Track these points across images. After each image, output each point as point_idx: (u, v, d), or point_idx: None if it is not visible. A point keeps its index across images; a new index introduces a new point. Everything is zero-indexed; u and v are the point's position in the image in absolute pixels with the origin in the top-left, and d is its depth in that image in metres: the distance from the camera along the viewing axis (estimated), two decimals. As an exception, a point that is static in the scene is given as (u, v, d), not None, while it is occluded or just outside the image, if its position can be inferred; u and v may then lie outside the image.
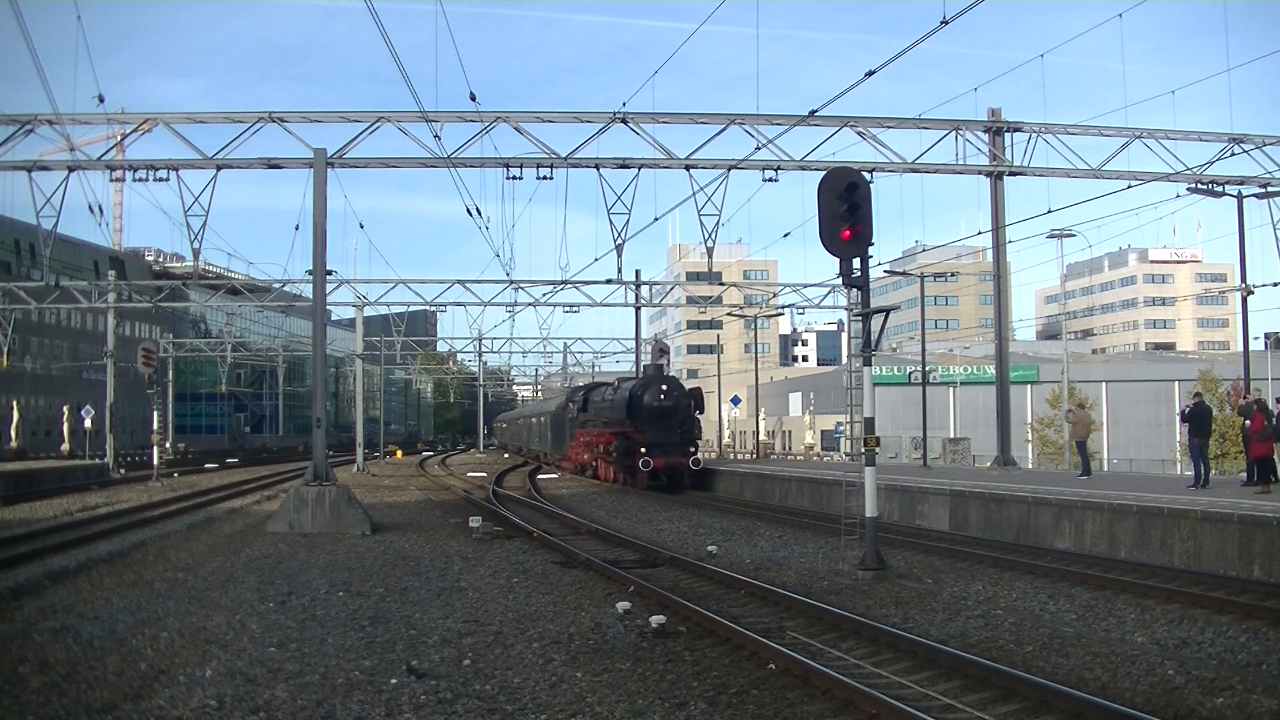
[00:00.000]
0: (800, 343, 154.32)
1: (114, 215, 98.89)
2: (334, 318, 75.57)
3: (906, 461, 46.58)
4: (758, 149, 26.19)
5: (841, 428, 52.98)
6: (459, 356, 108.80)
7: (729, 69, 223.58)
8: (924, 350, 38.39)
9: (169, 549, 17.55)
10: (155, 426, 46.42)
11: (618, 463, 34.05)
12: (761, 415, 59.44)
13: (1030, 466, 47.91)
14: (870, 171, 25.03)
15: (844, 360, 61.35)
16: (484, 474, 44.14)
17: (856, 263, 14.76)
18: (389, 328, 64.50)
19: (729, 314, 51.06)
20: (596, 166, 26.56)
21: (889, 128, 27.21)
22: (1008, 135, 28.11)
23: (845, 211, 14.41)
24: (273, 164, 26.49)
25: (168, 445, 58.62)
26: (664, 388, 33.43)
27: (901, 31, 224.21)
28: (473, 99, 23.45)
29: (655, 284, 51.47)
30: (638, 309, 47.39)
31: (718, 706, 7.93)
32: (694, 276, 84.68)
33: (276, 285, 54.37)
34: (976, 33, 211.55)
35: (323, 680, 8.67)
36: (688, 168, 26.68)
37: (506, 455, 72.47)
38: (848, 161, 25.57)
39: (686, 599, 11.99)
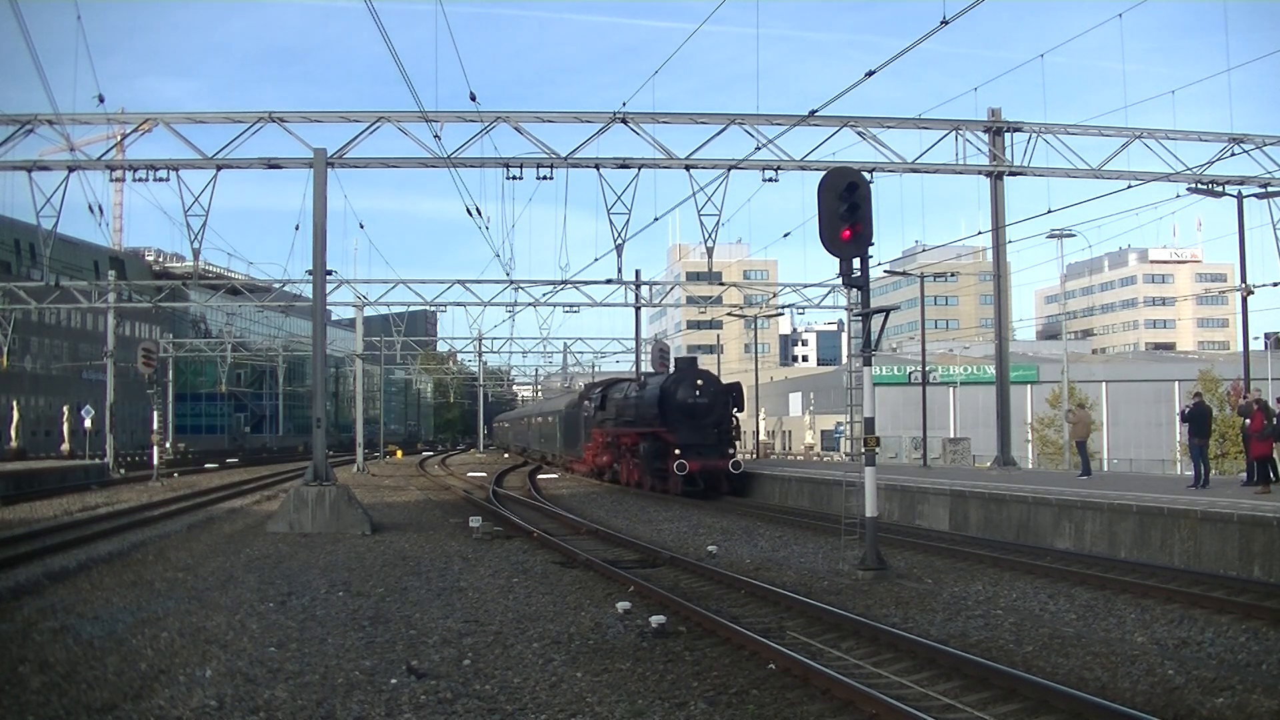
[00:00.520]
0: (800, 343, 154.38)
1: (114, 215, 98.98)
2: (334, 318, 75.60)
3: (906, 461, 46.59)
4: (758, 149, 26.20)
5: (841, 428, 53.04)
6: (459, 356, 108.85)
7: (729, 69, 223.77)
8: (924, 350, 38.40)
9: (169, 549, 17.55)
10: (155, 426, 46.44)
11: (646, 466, 31.05)
12: (761, 415, 59.46)
13: (1030, 466, 47.92)
14: (870, 171, 25.03)
15: (844, 360, 61.39)
16: (484, 474, 44.14)
17: (856, 263, 14.76)
18: (389, 328, 64.48)
19: (729, 314, 51.08)
20: (596, 166, 26.55)
21: (889, 128, 27.20)
22: (1008, 135, 28.10)
23: (845, 211, 14.42)
24: (273, 164, 26.48)
25: (168, 445, 58.61)
26: (699, 383, 30.50)
27: (901, 31, 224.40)
28: (473, 99, 23.47)
29: (655, 284, 51.43)
30: (638, 309, 47.36)
31: (718, 706, 7.93)
32: (694, 276, 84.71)
33: (276, 285, 54.41)
34: (976, 33, 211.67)
35: (323, 680, 8.67)
36: (688, 168, 26.67)
37: (506, 455, 72.44)
38: (848, 161, 25.58)
39: (686, 599, 11.99)
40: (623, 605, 11.45)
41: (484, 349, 76.39)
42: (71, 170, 26.06)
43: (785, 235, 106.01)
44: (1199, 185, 27.62)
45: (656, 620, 10.58)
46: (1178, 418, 30.32)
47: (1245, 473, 20.20)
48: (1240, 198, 27.52)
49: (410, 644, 10.07)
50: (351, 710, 7.83)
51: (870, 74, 17.95)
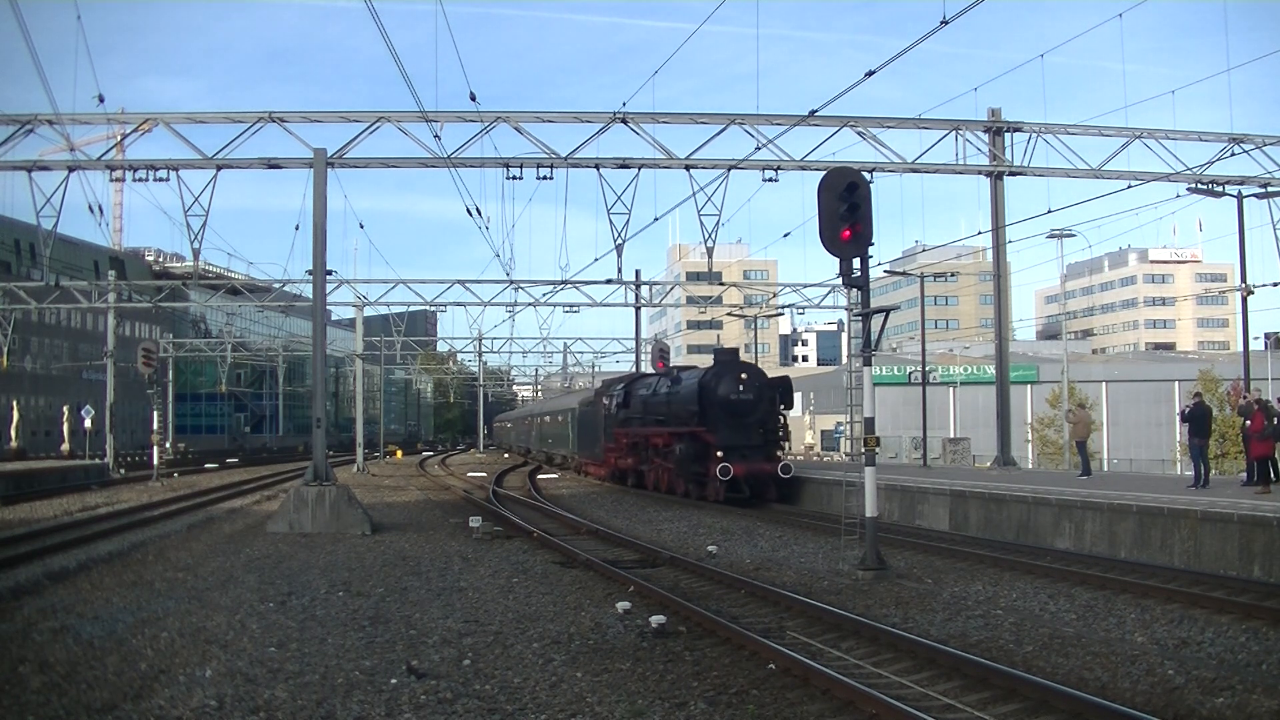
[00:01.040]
0: (800, 343, 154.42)
1: (114, 215, 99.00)
2: (334, 318, 75.58)
3: (906, 461, 46.59)
4: (758, 149, 26.20)
5: (841, 428, 52.97)
6: (459, 356, 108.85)
7: (729, 69, 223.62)
8: (924, 350, 38.40)
9: (169, 549, 17.55)
10: (155, 426, 46.46)
11: (681, 469, 27.80)
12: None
13: (1030, 466, 47.92)
14: (870, 171, 25.02)
15: (844, 360, 61.40)
16: (484, 474, 44.14)
17: (856, 263, 14.77)
18: (389, 328, 64.47)
19: (729, 314, 51.09)
20: (596, 166, 26.55)
21: (889, 128, 27.20)
22: (1008, 135, 28.10)
23: (845, 211, 14.43)
24: (273, 164, 26.48)
25: (168, 445, 58.61)
26: (743, 376, 27.21)
27: (901, 31, 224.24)
28: (473, 99, 23.46)
29: (655, 284, 51.48)
30: (638, 309, 47.40)
31: (718, 706, 7.93)
32: (694, 276, 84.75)
33: (276, 285, 54.37)
34: (976, 33, 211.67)
35: (323, 680, 8.67)
36: (688, 168, 26.66)
37: (507, 455, 72.37)
38: (848, 161, 25.57)
39: (686, 599, 12.00)
40: (623, 605, 11.46)
41: (484, 349, 76.44)
42: (71, 170, 26.05)
43: (785, 235, 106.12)
44: (1199, 185, 27.62)
45: (656, 620, 10.58)
46: (1178, 418, 30.32)
47: (1245, 473, 20.20)
48: (1240, 198, 27.53)
49: (410, 644, 10.07)
50: (351, 710, 7.83)
51: (870, 74, 17.96)
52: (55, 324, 74.38)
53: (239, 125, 25.63)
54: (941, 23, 15.67)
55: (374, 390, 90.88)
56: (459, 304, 47.68)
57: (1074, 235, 37.19)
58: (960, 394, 67.81)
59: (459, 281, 43.25)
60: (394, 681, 8.59)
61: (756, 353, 56.63)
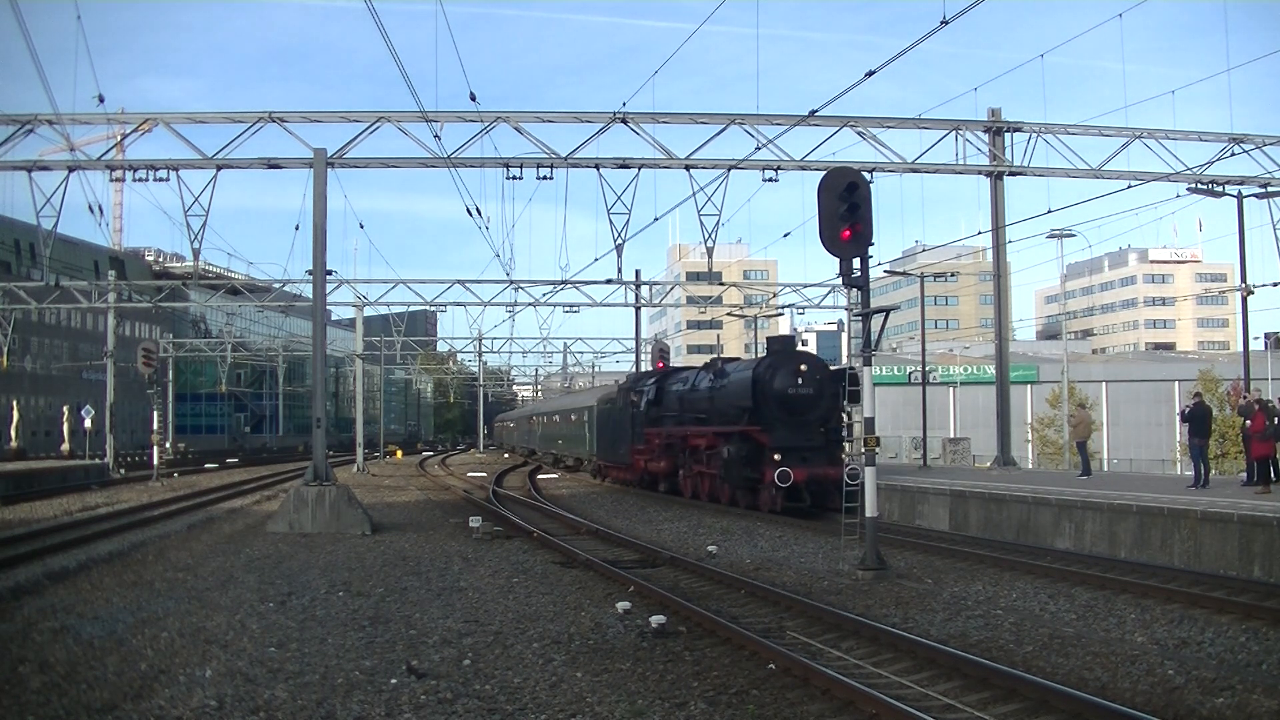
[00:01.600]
0: (800, 342, 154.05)
1: (114, 215, 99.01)
2: (334, 318, 75.59)
3: (906, 461, 46.58)
4: (758, 149, 26.21)
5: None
6: (459, 356, 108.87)
7: (729, 69, 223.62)
8: (924, 350, 38.39)
9: (169, 549, 17.55)
10: (155, 426, 46.47)
11: (729, 474, 24.58)
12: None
13: (1030, 466, 47.93)
14: (870, 171, 25.03)
15: (844, 360, 61.44)
16: (484, 474, 44.14)
17: (856, 263, 14.78)
18: (389, 328, 64.49)
19: (729, 314, 51.07)
20: (596, 166, 26.56)
21: (889, 128, 27.20)
22: (1008, 135, 28.11)
23: (845, 211, 14.44)
24: (273, 164, 26.49)
25: (168, 445, 58.61)
26: (802, 368, 23.93)
27: (901, 31, 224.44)
28: (473, 99, 23.48)
29: (655, 284, 51.45)
30: (638, 309, 47.37)
31: (718, 706, 7.93)
32: (694, 276, 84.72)
33: (276, 285, 54.39)
34: (976, 33, 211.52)
35: (323, 680, 8.67)
36: (688, 168, 26.67)
37: (507, 455, 72.33)
38: (848, 161, 25.57)
39: (686, 599, 11.99)
40: (623, 605, 11.46)
41: (484, 349, 76.44)
42: (71, 170, 26.06)
43: (785, 235, 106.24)
44: (1199, 185, 27.63)
45: (656, 620, 10.58)
46: (1178, 418, 30.34)
47: (1245, 473, 20.20)
48: (1240, 198, 27.53)
49: (410, 644, 10.07)
50: (351, 710, 7.83)
51: (870, 74, 17.96)
52: (55, 324, 74.37)
53: (239, 125, 25.64)
54: (941, 23, 15.68)
55: (374, 390, 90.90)
56: (459, 304, 47.80)
57: (1074, 235, 37.22)
58: (960, 394, 67.80)
59: (459, 281, 43.29)
60: (394, 681, 8.59)
61: (756, 353, 56.44)
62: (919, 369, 46.02)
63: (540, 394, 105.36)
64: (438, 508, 27.01)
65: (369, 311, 52.41)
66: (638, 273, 45.45)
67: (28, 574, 14.33)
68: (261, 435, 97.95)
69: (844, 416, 23.88)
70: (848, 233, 14.45)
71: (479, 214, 28.80)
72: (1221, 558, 14.27)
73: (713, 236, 27.45)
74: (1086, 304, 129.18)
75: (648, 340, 58.90)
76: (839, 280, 19.23)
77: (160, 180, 25.69)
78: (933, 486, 21.99)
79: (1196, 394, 22.63)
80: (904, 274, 46.75)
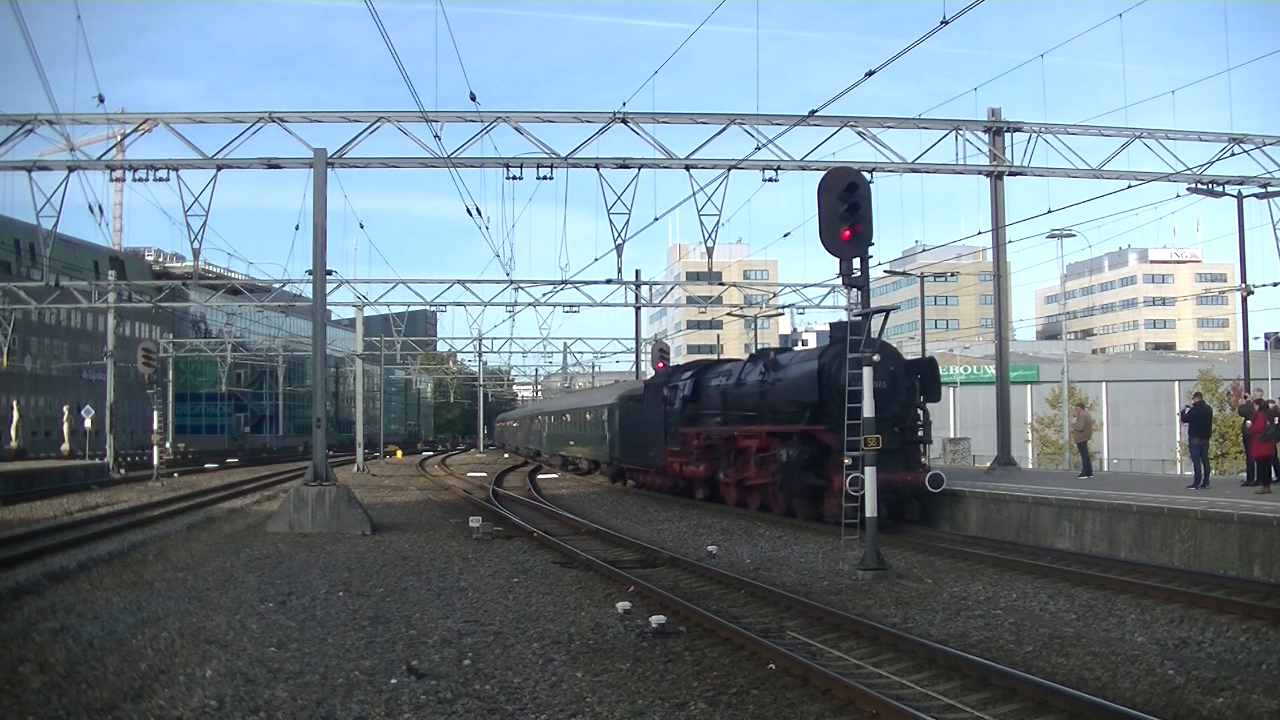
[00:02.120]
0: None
1: (114, 215, 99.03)
2: (334, 318, 75.58)
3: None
4: (758, 149, 26.17)
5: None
6: (459, 356, 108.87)
7: (729, 69, 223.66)
8: (924, 350, 38.39)
9: (169, 549, 17.56)
10: (155, 426, 46.43)
11: (789, 480, 21.60)
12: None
13: (1030, 466, 47.92)
14: (870, 171, 25.01)
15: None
16: (484, 474, 44.15)
17: (856, 263, 14.80)
18: (389, 328, 64.47)
19: (729, 314, 51.06)
20: (596, 166, 26.53)
21: (889, 128, 27.18)
22: (1008, 135, 28.07)
23: (845, 211, 14.45)
24: (273, 164, 26.47)
25: (168, 445, 58.60)
26: (875, 358, 18.87)
27: (901, 31, 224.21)
28: (473, 99, 23.45)
29: (655, 284, 51.45)
30: (638, 309, 47.41)
31: (718, 706, 7.93)
32: (694, 276, 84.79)
33: (276, 285, 54.37)
34: (976, 33, 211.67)
35: (323, 680, 8.67)
36: (688, 168, 26.65)
37: (506, 455, 72.29)
38: (848, 161, 25.54)
39: (686, 599, 12.00)
40: (623, 605, 11.46)
41: (484, 349, 76.44)
42: (71, 170, 26.04)
43: (785, 235, 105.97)
44: (1199, 185, 27.63)
45: (656, 620, 10.58)
46: (1178, 418, 30.35)
47: (1245, 473, 20.20)
48: (1240, 198, 27.55)
49: (410, 644, 10.07)
50: (351, 710, 7.83)
51: (870, 74, 17.93)
52: (55, 324, 74.40)
53: (239, 125, 25.61)
54: (941, 23, 15.65)
55: (374, 390, 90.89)
56: (459, 304, 47.68)
57: (1074, 235, 37.24)
58: (960, 394, 67.80)
59: (459, 281, 43.26)
60: (394, 681, 8.59)
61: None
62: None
63: (540, 394, 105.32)
64: (438, 508, 27.01)
65: (369, 311, 52.42)
66: (638, 273, 45.55)
67: (28, 574, 14.34)
68: (261, 435, 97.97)
69: (920, 413, 21.43)
70: (848, 233, 14.46)
71: (479, 214, 28.81)
72: (1221, 558, 14.27)
73: (713, 236, 27.43)
74: (1086, 304, 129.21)
75: (648, 340, 58.88)
76: (839, 280, 19.20)
77: (160, 180, 25.65)
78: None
79: (1197, 394, 22.62)
80: (904, 274, 46.77)
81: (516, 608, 11.99)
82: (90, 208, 27.47)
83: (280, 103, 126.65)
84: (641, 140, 26.14)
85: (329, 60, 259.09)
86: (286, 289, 50.67)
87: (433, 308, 52.12)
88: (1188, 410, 20.79)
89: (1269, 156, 27.38)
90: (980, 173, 28.43)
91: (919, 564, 15.49)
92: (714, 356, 41.94)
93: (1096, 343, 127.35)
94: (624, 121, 25.76)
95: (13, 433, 51.88)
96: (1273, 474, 18.45)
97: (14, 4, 16.82)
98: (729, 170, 26.59)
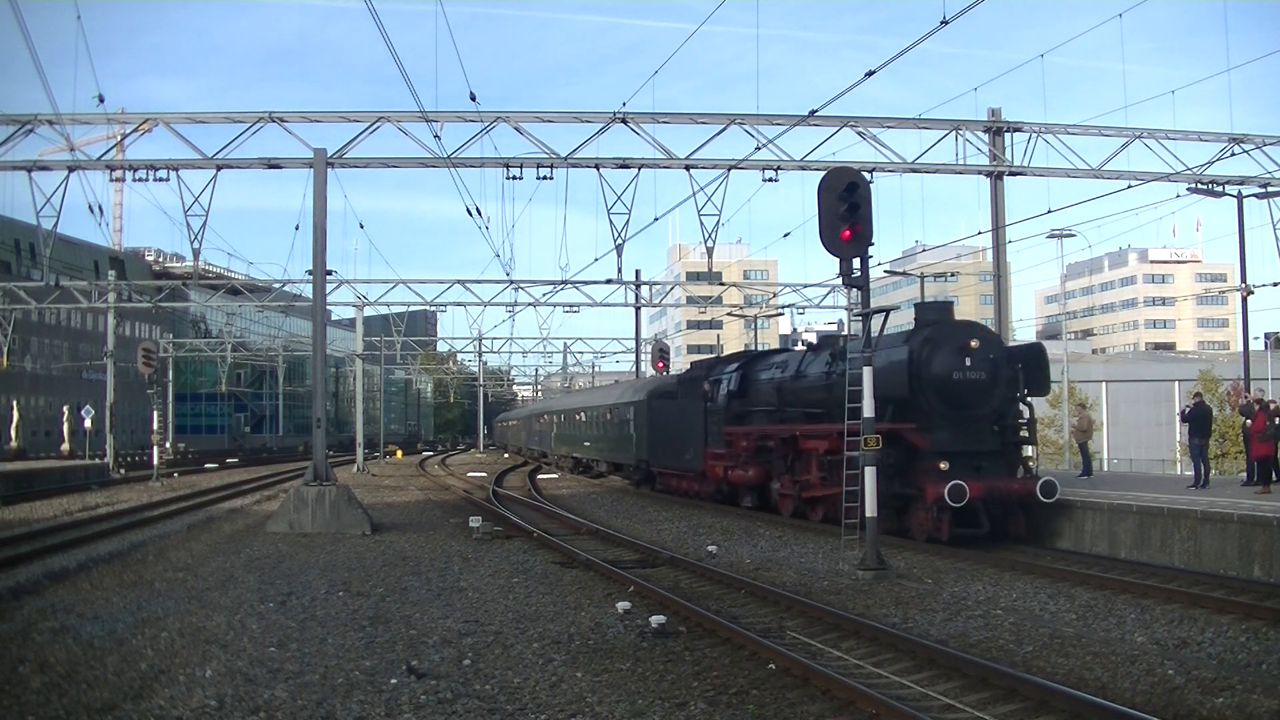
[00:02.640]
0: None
1: (114, 215, 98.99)
2: (334, 318, 75.54)
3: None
4: (758, 149, 26.15)
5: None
6: (459, 356, 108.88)
7: (729, 69, 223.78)
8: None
9: (169, 549, 17.56)
10: (155, 426, 46.47)
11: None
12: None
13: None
14: (870, 171, 24.99)
15: (844, 360, 61.27)
16: (484, 474, 44.14)
17: (856, 263, 14.79)
18: (389, 328, 64.47)
19: (729, 314, 51.02)
20: (596, 166, 26.53)
21: (889, 128, 27.17)
22: (1008, 135, 28.06)
23: (845, 211, 14.45)
24: (273, 164, 26.46)
25: (168, 445, 58.61)
26: (973, 344, 18.03)
27: (901, 31, 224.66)
28: (473, 99, 23.45)
29: (655, 284, 51.44)
30: (638, 309, 47.39)
31: (718, 706, 7.93)
32: (694, 276, 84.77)
33: (276, 285, 54.37)
34: (976, 33, 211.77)
35: (323, 680, 8.67)
36: (688, 168, 26.64)
37: (506, 455, 72.25)
38: (848, 161, 25.53)
39: (686, 599, 12.00)
40: (623, 605, 11.46)
41: (484, 349, 76.44)
42: (71, 170, 26.02)
43: (785, 235, 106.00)
44: (1199, 185, 27.61)
45: (656, 620, 10.58)
46: (1178, 418, 30.34)
47: (1245, 473, 20.20)
48: (1240, 198, 27.53)
49: (410, 644, 10.07)
50: (351, 710, 7.83)
51: (870, 74, 17.92)
52: (55, 324, 74.39)
53: (239, 125, 25.60)
54: (941, 23, 15.65)
55: (374, 390, 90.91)
56: (459, 304, 47.64)
57: (1074, 235, 37.10)
58: (960, 394, 67.62)
59: (459, 281, 43.22)
60: (394, 681, 8.60)
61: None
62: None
63: (541, 393, 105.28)
64: (438, 508, 27.01)
65: (369, 311, 52.41)
66: (638, 273, 45.53)
67: (28, 574, 14.34)
68: (261, 435, 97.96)
69: (1022, 409, 18.63)
70: (848, 233, 14.46)
71: (479, 214, 28.76)
72: (1221, 558, 14.27)
73: (713, 236, 27.42)
74: (1086, 304, 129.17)
75: (648, 340, 58.88)
76: (839, 280, 19.17)
77: (160, 180, 25.64)
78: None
79: (1197, 394, 22.61)
80: (904, 274, 46.74)
81: (516, 608, 11.99)
82: (90, 208, 27.51)
83: (280, 103, 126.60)
84: (641, 140, 26.14)
85: (329, 60, 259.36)
86: (286, 289, 50.70)
87: (433, 308, 52.14)
88: (1188, 410, 20.79)
89: (1269, 156, 27.37)
90: (980, 173, 28.41)
91: (919, 564, 15.49)
92: (712, 355, 41.47)
93: (1096, 343, 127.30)
94: (624, 121, 25.75)
95: (13, 433, 51.88)
96: (1273, 474, 18.46)
97: (14, 4, 16.83)
98: (729, 170, 26.58)
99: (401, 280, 43.21)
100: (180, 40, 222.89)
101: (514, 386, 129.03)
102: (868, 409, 14.78)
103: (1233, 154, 27.15)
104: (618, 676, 8.81)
